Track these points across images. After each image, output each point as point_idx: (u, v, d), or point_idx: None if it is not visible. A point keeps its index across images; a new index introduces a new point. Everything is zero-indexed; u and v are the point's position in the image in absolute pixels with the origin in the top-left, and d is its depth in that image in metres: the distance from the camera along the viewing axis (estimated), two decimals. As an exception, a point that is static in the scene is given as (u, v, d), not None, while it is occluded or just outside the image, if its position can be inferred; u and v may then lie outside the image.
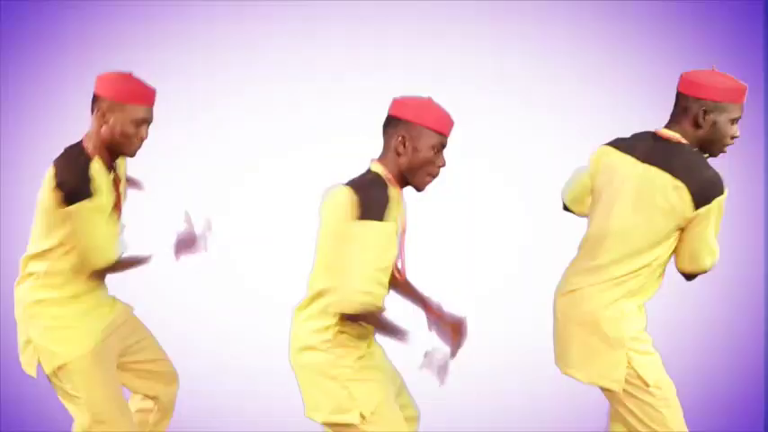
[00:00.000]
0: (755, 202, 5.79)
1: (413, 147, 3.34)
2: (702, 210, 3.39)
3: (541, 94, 6.04)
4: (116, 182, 3.64)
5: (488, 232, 6.00)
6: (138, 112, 3.50)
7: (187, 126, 6.05)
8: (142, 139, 3.54)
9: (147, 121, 3.53)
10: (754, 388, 5.21)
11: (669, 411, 3.60)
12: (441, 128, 3.35)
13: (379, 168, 3.37)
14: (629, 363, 3.53)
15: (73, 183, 3.44)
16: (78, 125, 5.86)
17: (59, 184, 3.44)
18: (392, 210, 3.29)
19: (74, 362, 3.56)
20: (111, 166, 3.59)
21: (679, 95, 3.52)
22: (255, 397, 5.02)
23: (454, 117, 5.95)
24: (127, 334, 3.78)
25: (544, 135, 5.97)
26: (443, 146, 3.37)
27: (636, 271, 3.53)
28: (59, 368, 3.57)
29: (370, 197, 3.28)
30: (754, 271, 5.78)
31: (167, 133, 5.93)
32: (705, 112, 3.43)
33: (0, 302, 5.23)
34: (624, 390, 3.57)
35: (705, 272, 3.55)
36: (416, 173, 3.36)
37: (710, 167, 3.43)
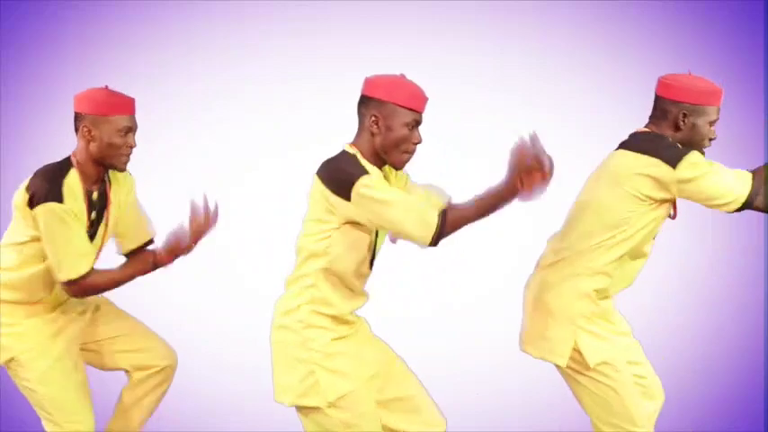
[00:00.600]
0: (755, 201, 5.78)
1: (386, 125, 3.34)
2: (681, 167, 3.44)
3: (541, 94, 6.04)
4: (104, 201, 3.68)
5: (488, 232, 5.99)
6: (122, 121, 3.58)
7: (187, 126, 6.05)
8: (130, 148, 3.61)
9: (132, 128, 3.61)
10: (754, 388, 5.21)
11: (614, 397, 3.60)
12: (413, 104, 3.35)
13: (352, 150, 3.38)
14: (575, 341, 3.60)
15: (41, 185, 3.50)
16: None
17: (28, 186, 3.52)
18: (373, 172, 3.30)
19: (22, 354, 3.65)
20: (97, 181, 3.64)
21: (658, 99, 3.62)
22: (255, 397, 5.01)
23: (454, 116, 5.95)
24: (97, 330, 3.86)
25: (544, 135, 5.96)
26: (418, 122, 3.37)
27: (597, 244, 3.59)
28: (10, 361, 3.68)
29: (340, 169, 3.29)
30: (755, 271, 5.78)
31: (167, 133, 5.93)
32: (685, 115, 3.54)
33: None
34: (569, 366, 3.64)
35: (747, 202, 3.51)
36: (392, 151, 3.36)
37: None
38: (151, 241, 3.92)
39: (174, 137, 5.97)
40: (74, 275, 3.54)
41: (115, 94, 3.61)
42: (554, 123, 5.99)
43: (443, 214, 3.24)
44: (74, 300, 3.76)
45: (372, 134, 3.36)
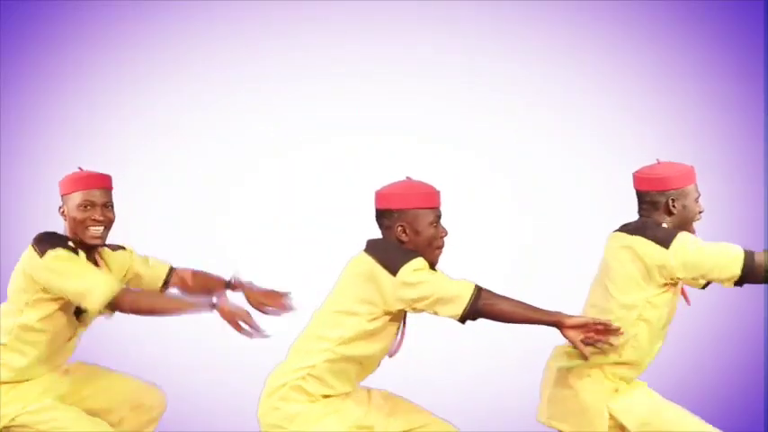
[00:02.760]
0: (755, 201, 5.79)
1: (413, 230, 3.52)
2: (672, 249, 3.65)
3: (542, 94, 6.04)
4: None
5: (489, 232, 5.99)
6: (81, 196, 3.75)
7: (187, 126, 6.04)
8: (96, 221, 3.76)
9: (93, 203, 3.75)
10: (754, 388, 5.21)
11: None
12: (431, 203, 3.55)
13: None
14: (609, 413, 3.74)
15: (48, 240, 3.72)
16: (78, 125, 5.86)
17: (35, 242, 3.73)
18: None
19: (21, 416, 3.78)
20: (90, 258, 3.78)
21: (641, 194, 3.83)
22: (255, 397, 5.01)
23: (454, 115, 5.95)
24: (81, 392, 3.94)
25: (545, 135, 5.97)
26: (439, 217, 3.56)
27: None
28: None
29: (389, 253, 3.49)
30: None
31: (167, 133, 5.93)
32: (674, 201, 3.78)
33: (0, 303, 5.23)
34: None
35: (741, 272, 3.68)
36: (425, 251, 3.52)
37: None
38: (171, 270, 4.07)
39: (174, 137, 5.97)
40: (103, 299, 3.65)
41: (77, 174, 3.82)
42: (554, 123, 5.99)
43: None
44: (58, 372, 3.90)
45: (402, 242, 3.53)
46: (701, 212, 3.88)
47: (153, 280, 4.03)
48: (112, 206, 3.84)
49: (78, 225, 3.76)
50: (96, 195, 3.79)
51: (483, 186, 5.98)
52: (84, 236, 3.76)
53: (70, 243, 3.76)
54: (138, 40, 5.97)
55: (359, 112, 5.94)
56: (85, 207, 3.76)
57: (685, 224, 3.83)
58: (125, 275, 3.96)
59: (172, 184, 5.90)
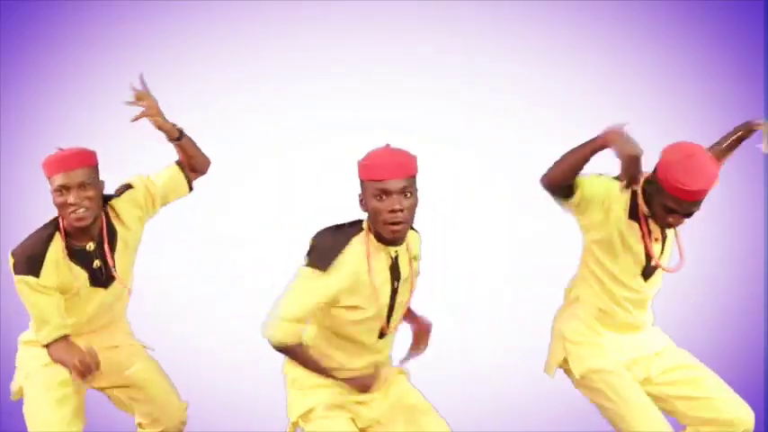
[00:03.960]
0: (755, 202, 5.79)
1: (364, 203, 3.35)
2: None
3: (542, 94, 6.04)
4: (110, 236, 3.76)
5: (489, 232, 5.99)
6: (54, 182, 3.65)
7: (187, 126, 6.03)
8: (74, 205, 3.63)
9: (68, 186, 3.63)
10: (754, 388, 5.21)
11: (611, 405, 3.73)
12: (374, 175, 3.29)
13: (365, 223, 3.42)
14: (565, 356, 3.81)
15: (22, 258, 3.67)
16: (78, 125, 5.86)
17: (13, 253, 3.70)
18: (346, 261, 3.32)
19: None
20: (90, 233, 3.72)
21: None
22: (255, 397, 5.02)
23: (454, 115, 5.94)
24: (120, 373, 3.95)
25: (545, 135, 5.97)
26: (386, 191, 3.28)
27: (576, 276, 3.84)
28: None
29: (320, 243, 3.37)
30: (755, 271, 5.78)
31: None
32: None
33: (0, 303, 5.23)
34: (575, 382, 3.83)
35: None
36: (376, 225, 3.34)
37: None
38: (178, 165, 4.02)
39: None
40: (44, 341, 3.71)
41: (49, 157, 3.68)
42: (554, 123, 5.99)
43: None
44: (104, 334, 3.90)
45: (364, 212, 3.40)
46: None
47: (177, 187, 3.96)
48: (93, 183, 3.68)
49: (60, 211, 3.67)
50: (70, 177, 3.62)
51: (483, 186, 5.98)
52: (70, 221, 3.65)
53: (54, 241, 3.68)
54: (138, 40, 5.97)
55: (359, 112, 5.94)
56: (60, 192, 3.64)
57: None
58: (149, 209, 3.87)
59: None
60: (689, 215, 3.57)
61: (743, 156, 5.41)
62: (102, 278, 3.78)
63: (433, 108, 5.96)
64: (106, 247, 3.75)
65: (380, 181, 3.28)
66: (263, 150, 6.03)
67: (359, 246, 3.35)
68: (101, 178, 3.76)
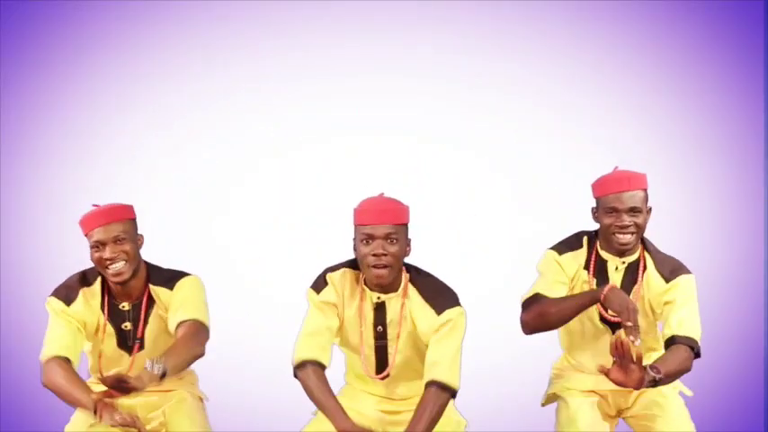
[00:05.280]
0: (755, 202, 5.79)
1: (355, 246, 3.53)
2: None
3: (542, 94, 6.04)
4: (128, 319, 3.72)
5: (489, 232, 5.99)
6: (90, 238, 3.63)
7: (187, 126, 6.05)
8: (108, 260, 3.61)
9: (101, 242, 3.60)
10: (754, 388, 5.21)
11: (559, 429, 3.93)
12: (362, 221, 3.47)
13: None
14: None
15: (61, 284, 3.70)
16: (78, 125, 5.86)
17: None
18: (335, 277, 3.54)
19: None
20: (131, 297, 3.70)
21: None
22: (255, 397, 5.02)
23: (454, 115, 5.94)
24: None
25: (545, 135, 5.97)
26: (371, 236, 3.43)
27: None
28: None
29: (322, 272, 3.61)
30: (754, 271, 5.77)
31: (167, 133, 5.93)
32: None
33: (0, 303, 5.23)
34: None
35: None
36: (362, 269, 3.51)
37: None
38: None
39: (174, 137, 5.97)
40: (41, 357, 3.62)
41: (88, 212, 3.65)
42: (555, 123, 5.99)
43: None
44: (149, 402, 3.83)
45: None
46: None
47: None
48: (129, 237, 3.64)
49: (99, 268, 3.66)
50: (106, 232, 3.60)
51: (483, 186, 5.98)
52: (108, 278, 3.64)
53: (94, 285, 3.69)
54: (138, 40, 5.96)
55: (359, 112, 5.94)
56: (97, 248, 3.61)
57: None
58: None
59: (172, 184, 5.90)
60: (631, 211, 3.69)
61: (743, 156, 5.41)
62: (128, 342, 3.74)
63: (433, 108, 5.96)
64: (142, 311, 3.73)
65: (366, 226, 3.45)
66: (263, 150, 6.03)
67: (349, 274, 3.56)
68: (139, 232, 3.73)
